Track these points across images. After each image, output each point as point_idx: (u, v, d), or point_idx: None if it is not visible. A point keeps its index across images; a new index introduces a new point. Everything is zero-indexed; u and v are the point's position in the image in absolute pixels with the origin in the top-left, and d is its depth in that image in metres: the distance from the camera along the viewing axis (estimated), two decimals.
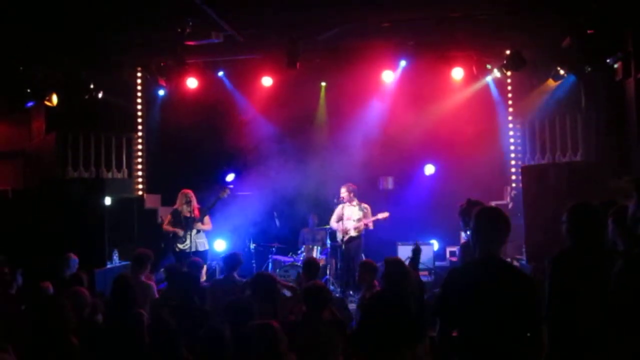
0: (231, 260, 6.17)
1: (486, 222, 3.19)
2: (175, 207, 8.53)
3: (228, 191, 8.68)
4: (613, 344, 3.10)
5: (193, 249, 8.24)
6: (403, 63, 9.41)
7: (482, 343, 3.01)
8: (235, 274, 6.09)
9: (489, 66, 9.07)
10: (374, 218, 8.87)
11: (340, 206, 8.98)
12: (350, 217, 8.88)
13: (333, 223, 9.10)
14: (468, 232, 6.34)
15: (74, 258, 6.55)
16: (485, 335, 3.01)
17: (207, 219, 8.54)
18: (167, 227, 8.52)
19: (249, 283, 5.48)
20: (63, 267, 6.38)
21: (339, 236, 8.86)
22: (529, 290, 3.06)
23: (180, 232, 8.33)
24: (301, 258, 9.06)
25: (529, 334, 3.05)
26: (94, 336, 4.45)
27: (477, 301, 3.02)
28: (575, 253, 3.74)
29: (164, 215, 9.82)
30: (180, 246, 8.33)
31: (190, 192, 8.48)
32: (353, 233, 8.84)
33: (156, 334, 4.06)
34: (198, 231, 8.37)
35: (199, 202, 8.56)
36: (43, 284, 5.35)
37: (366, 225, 8.87)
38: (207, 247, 8.56)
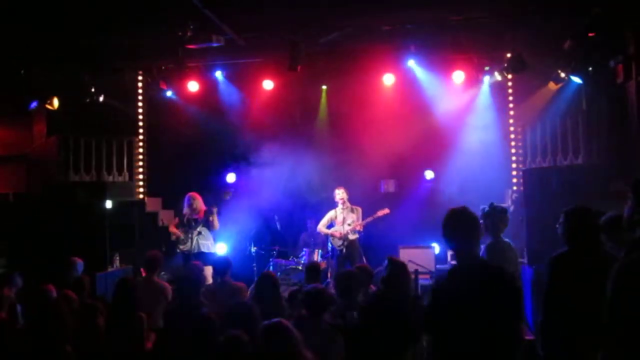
0: (222, 264, 6.06)
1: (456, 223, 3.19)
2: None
3: (230, 193, 8.68)
4: (612, 346, 3.09)
5: (196, 250, 8.21)
6: (410, 62, 9.33)
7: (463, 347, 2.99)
8: (228, 278, 5.91)
9: (487, 68, 9.06)
10: (372, 217, 8.82)
11: (333, 211, 8.92)
12: (346, 220, 8.83)
13: (322, 228, 9.02)
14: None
15: (80, 262, 6.54)
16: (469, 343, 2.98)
17: (213, 218, 8.36)
18: (171, 228, 8.56)
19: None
20: (68, 270, 6.34)
21: (337, 242, 8.83)
22: (510, 288, 3.04)
23: (180, 235, 8.35)
24: (302, 261, 9.04)
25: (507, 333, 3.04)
26: (95, 340, 4.44)
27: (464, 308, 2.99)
28: (573, 255, 3.76)
29: (165, 219, 9.86)
30: (182, 247, 8.35)
31: (192, 195, 8.44)
32: (352, 237, 8.82)
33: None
34: (200, 232, 8.32)
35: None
36: (46, 286, 5.33)
37: (356, 227, 8.82)
38: (212, 250, 8.44)
